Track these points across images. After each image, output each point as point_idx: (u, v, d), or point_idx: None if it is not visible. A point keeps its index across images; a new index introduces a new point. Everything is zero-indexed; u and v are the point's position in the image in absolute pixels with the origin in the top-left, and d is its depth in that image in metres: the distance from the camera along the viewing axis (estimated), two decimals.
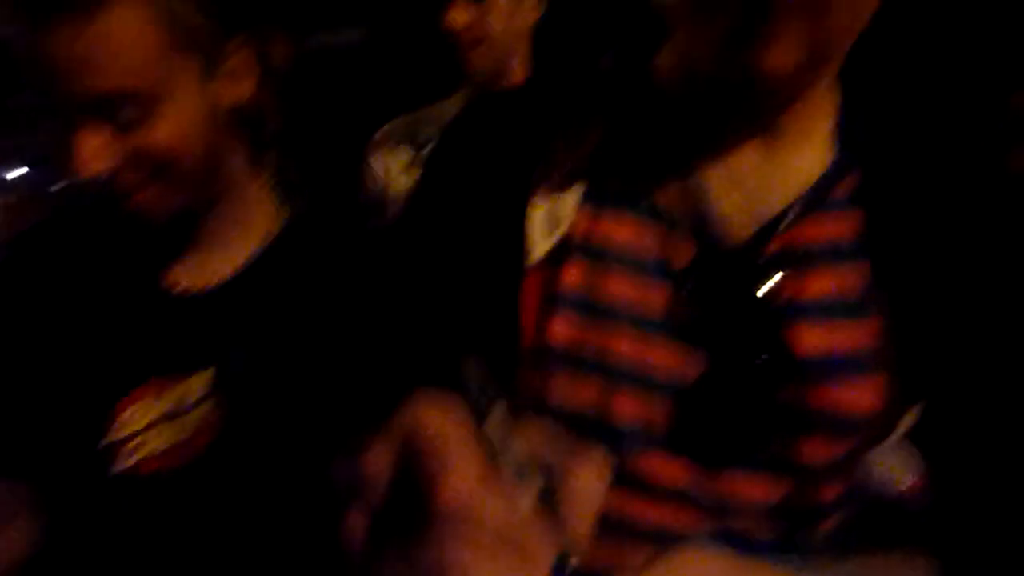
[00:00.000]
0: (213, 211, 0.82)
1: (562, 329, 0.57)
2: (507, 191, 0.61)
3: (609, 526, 0.54)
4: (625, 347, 0.56)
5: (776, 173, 0.59)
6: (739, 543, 0.56)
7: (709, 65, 0.53)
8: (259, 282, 0.82)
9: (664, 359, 0.56)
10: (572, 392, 0.56)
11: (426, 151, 1.63)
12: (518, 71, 1.55)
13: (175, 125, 0.73)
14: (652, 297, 0.57)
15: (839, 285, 0.56)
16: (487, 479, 0.34)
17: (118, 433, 0.75)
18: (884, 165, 0.59)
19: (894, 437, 0.53)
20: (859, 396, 0.54)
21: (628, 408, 0.56)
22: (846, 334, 0.55)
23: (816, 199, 0.58)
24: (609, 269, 0.58)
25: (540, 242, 0.59)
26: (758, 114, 0.58)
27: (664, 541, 0.55)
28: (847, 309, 0.56)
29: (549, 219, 0.60)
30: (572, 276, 0.58)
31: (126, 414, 0.75)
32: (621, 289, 0.57)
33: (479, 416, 0.36)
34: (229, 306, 0.80)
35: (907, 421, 0.53)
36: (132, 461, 0.74)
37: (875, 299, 0.56)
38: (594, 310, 0.57)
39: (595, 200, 0.60)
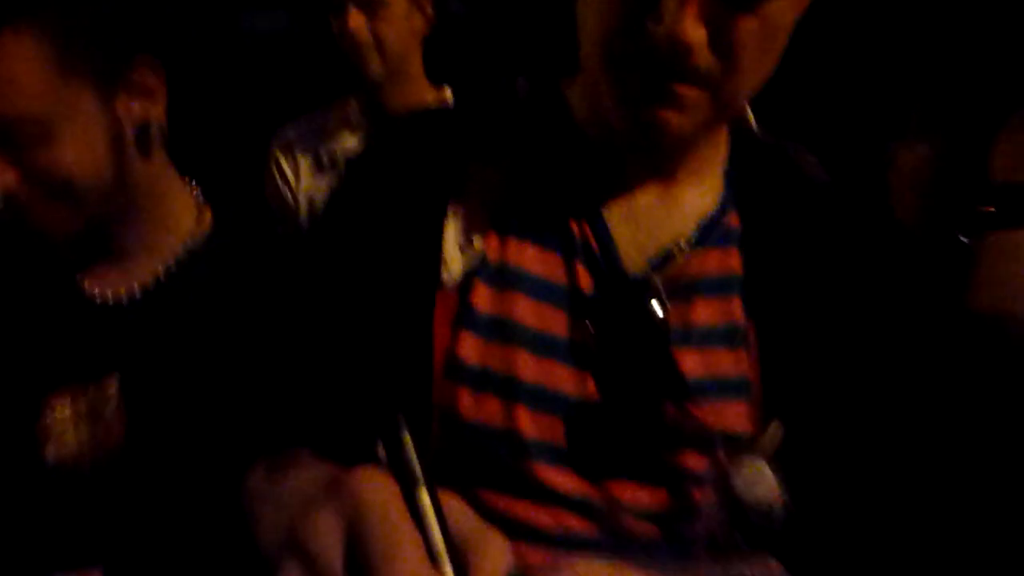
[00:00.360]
0: (130, 221, 0.84)
1: (471, 348, 0.61)
2: (422, 212, 0.64)
3: (512, 531, 0.59)
4: (528, 367, 0.61)
5: (670, 210, 0.65)
6: (625, 544, 0.62)
7: (614, 117, 0.59)
8: (178, 290, 0.85)
9: (564, 379, 0.61)
10: (479, 407, 0.61)
11: (331, 155, 1.64)
12: (414, 75, 1.58)
13: (73, 147, 0.75)
14: (554, 321, 0.62)
15: (720, 315, 0.63)
16: (427, 563, 0.35)
17: (47, 425, 0.80)
18: (763, 208, 0.66)
19: (757, 451, 0.60)
20: (731, 415, 0.61)
21: (530, 423, 0.60)
22: (722, 360, 0.62)
23: (703, 236, 0.64)
24: (516, 294, 0.62)
25: (455, 263, 0.63)
26: (657, 158, 0.64)
27: (561, 545, 0.61)
28: (725, 337, 0.62)
29: (463, 241, 0.63)
30: (481, 299, 0.62)
31: (53, 410, 0.80)
32: (526, 313, 0.61)
33: (410, 486, 0.37)
34: (145, 314, 0.84)
35: (769, 437, 0.60)
36: (59, 451, 0.80)
37: (748, 330, 0.62)
38: (501, 332, 0.61)
39: (505, 227, 0.64)
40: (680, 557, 0.62)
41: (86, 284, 0.86)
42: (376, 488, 0.36)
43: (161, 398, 0.81)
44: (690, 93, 0.55)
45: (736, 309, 0.63)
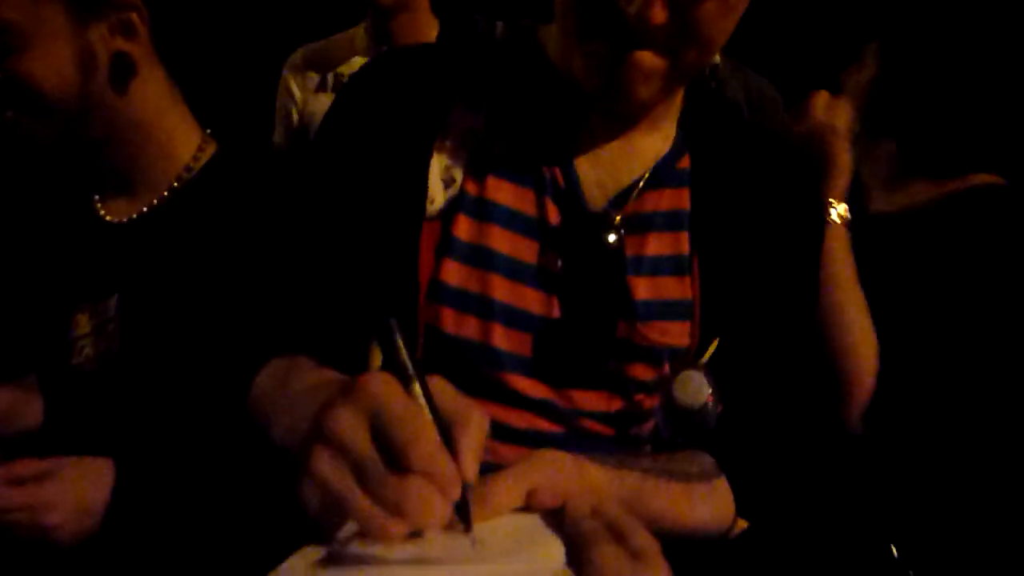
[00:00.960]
0: (124, 148, 0.93)
1: (452, 272, 0.69)
2: (410, 148, 0.71)
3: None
4: (502, 289, 0.69)
5: (629, 154, 0.73)
6: (584, 442, 0.73)
7: (582, 78, 0.66)
8: (171, 215, 0.95)
9: (533, 300, 0.70)
10: (459, 324, 0.69)
11: (337, 78, 1.71)
12: (420, 7, 1.62)
13: (41, 61, 0.83)
14: (526, 250, 0.70)
15: (669, 247, 0.72)
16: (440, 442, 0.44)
17: (74, 333, 0.93)
18: (710, 152, 0.75)
19: (696, 363, 0.70)
20: (675, 333, 0.71)
21: (503, 338, 0.69)
22: (670, 286, 0.71)
23: (658, 177, 0.73)
24: (492, 225, 0.70)
25: (438, 196, 0.71)
26: (621, 110, 0.71)
27: (530, 442, 0.70)
28: (673, 266, 0.72)
29: (445, 176, 0.71)
30: (462, 229, 0.70)
31: (77, 320, 0.93)
32: (500, 243, 0.70)
33: (405, 381, 0.45)
34: (140, 237, 0.94)
35: (707, 353, 0.70)
36: (81, 358, 0.92)
37: (693, 260, 0.72)
38: (479, 258, 0.70)
39: (484, 164, 0.71)
40: (629, 453, 0.72)
41: (98, 206, 0.97)
42: (390, 387, 0.44)
43: (158, 314, 0.91)
44: (654, 62, 0.62)
45: (683, 242, 0.72)
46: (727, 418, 0.70)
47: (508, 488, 0.51)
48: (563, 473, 0.54)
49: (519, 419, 0.71)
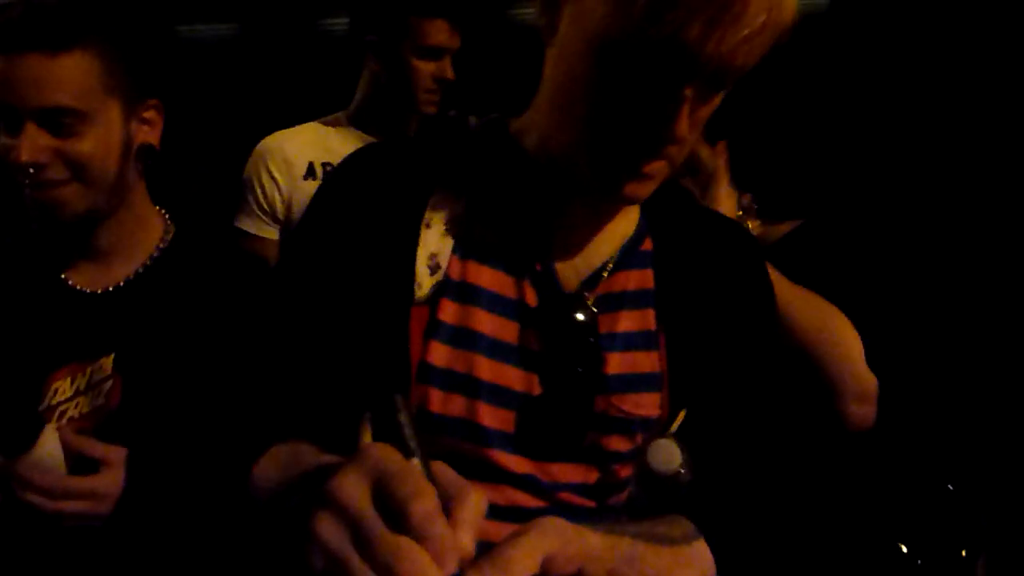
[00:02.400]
0: (113, 223, 1.08)
1: (439, 354, 0.74)
2: (397, 237, 0.77)
3: None
4: (486, 369, 0.74)
5: (600, 237, 0.79)
6: (564, 514, 0.76)
7: (585, 180, 0.71)
8: (152, 284, 1.09)
9: (515, 378, 0.75)
10: (446, 403, 0.74)
11: (324, 166, 1.74)
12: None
13: (96, 141, 1.01)
14: (507, 331, 0.75)
15: (638, 323, 0.78)
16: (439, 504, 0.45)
17: (49, 402, 1.02)
18: (669, 234, 0.81)
19: (667, 433, 0.75)
20: (647, 404, 0.76)
21: (488, 415, 0.74)
22: (641, 360, 0.77)
23: (625, 258, 0.79)
24: (475, 308, 0.75)
25: (425, 281, 0.76)
26: (595, 196, 0.77)
27: (512, 518, 0.72)
28: (642, 341, 0.77)
29: (431, 262, 0.76)
30: (447, 312, 0.75)
31: (53, 387, 1.03)
32: (483, 324, 0.75)
33: (407, 454, 0.47)
34: (128, 303, 1.07)
35: (676, 422, 0.76)
36: (62, 423, 1.02)
37: (660, 334, 0.78)
38: (464, 340, 0.74)
39: (465, 250, 0.77)
40: (614, 521, 0.76)
41: (70, 279, 1.09)
42: (393, 454, 0.47)
43: (157, 371, 1.03)
44: (655, 168, 0.69)
45: (650, 318, 0.78)
46: (699, 483, 0.75)
47: (525, 555, 0.51)
48: (569, 539, 0.55)
49: (502, 496, 0.74)
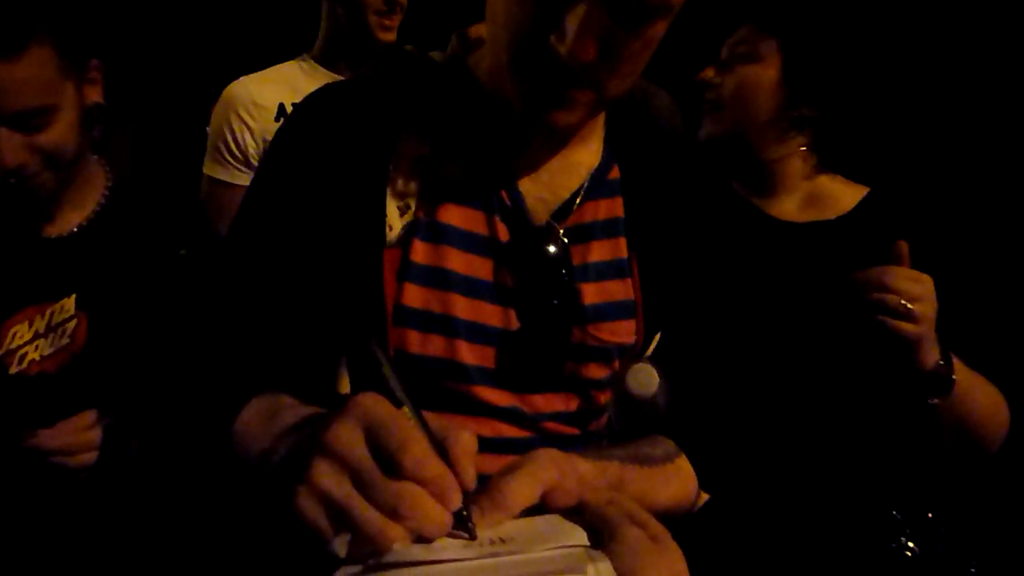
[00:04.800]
0: (73, 177, 1.11)
1: (414, 295, 0.74)
2: (364, 176, 0.76)
3: None
4: (462, 307, 0.74)
5: (565, 169, 0.79)
6: (548, 443, 0.78)
7: (517, 109, 0.71)
8: (105, 227, 1.14)
9: (491, 314, 0.75)
10: (425, 344, 0.74)
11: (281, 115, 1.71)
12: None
13: (64, 126, 1.03)
14: (481, 268, 0.76)
15: (610, 252, 0.78)
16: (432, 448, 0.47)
17: (8, 346, 1.05)
18: (635, 161, 0.81)
19: (644, 358, 0.77)
20: (623, 332, 0.77)
21: (468, 352, 0.74)
22: (614, 288, 0.78)
23: (592, 188, 0.79)
24: (447, 247, 0.75)
25: (395, 223, 0.75)
26: (552, 131, 0.76)
27: (500, 450, 0.74)
28: (615, 270, 0.78)
29: (400, 203, 0.76)
30: (419, 253, 0.75)
31: (11, 332, 1.05)
32: (456, 263, 0.75)
33: (395, 402, 0.49)
34: (83, 246, 1.11)
35: (651, 347, 0.77)
36: (23, 366, 1.05)
37: (632, 262, 0.78)
38: (438, 280, 0.75)
39: (433, 189, 0.76)
40: (599, 447, 0.78)
41: (34, 227, 1.11)
42: (382, 403, 0.49)
43: (116, 308, 1.08)
44: (581, 96, 0.69)
45: (622, 246, 0.78)
46: (676, 403, 0.77)
47: (522, 487, 0.53)
48: (564, 470, 0.57)
49: (488, 429, 0.76)
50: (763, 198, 1.22)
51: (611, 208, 0.80)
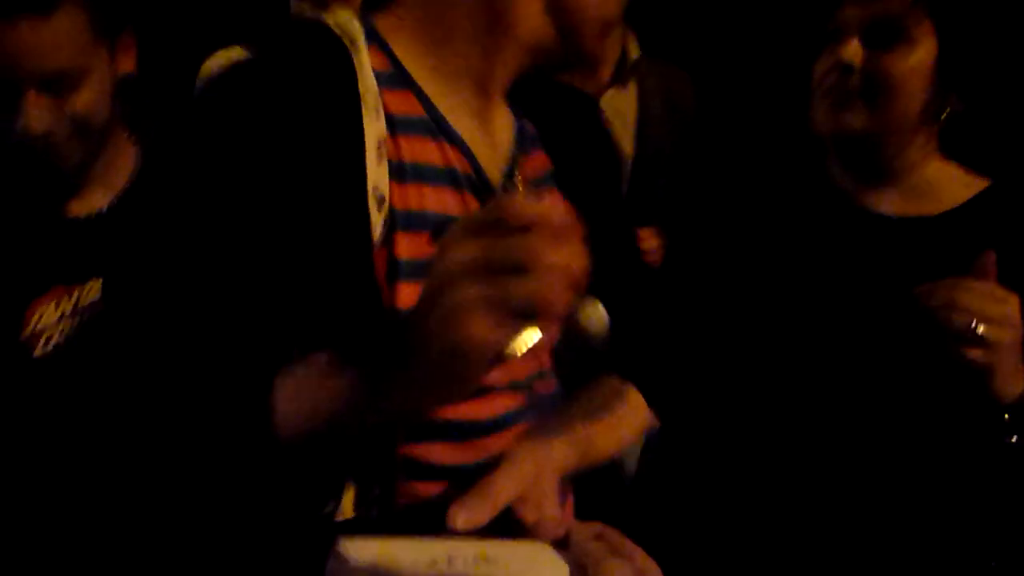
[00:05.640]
0: (104, 152, 1.08)
1: (408, 295, 0.66)
2: (340, 172, 0.64)
3: (463, 432, 0.71)
4: None
5: (498, 127, 0.77)
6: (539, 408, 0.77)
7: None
8: (134, 207, 1.09)
9: None
10: None
11: None
12: None
13: (94, 92, 1.00)
14: None
15: (556, 203, 0.80)
16: None
17: (33, 328, 1.01)
18: (541, 111, 0.83)
19: (588, 299, 0.82)
20: None
21: None
22: None
23: (521, 142, 0.79)
24: (426, 234, 0.68)
25: (376, 221, 0.65)
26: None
27: (504, 426, 0.73)
28: None
29: (376, 195, 0.66)
30: (405, 248, 0.67)
31: (37, 313, 1.02)
32: None
33: None
34: (112, 227, 1.07)
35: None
36: (48, 348, 1.01)
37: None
38: (426, 272, 0.68)
39: (399, 173, 0.68)
40: (560, 406, 0.80)
41: (60, 206, 1.07)
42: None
43: (145, 292, 0.96)
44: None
45: (558, 196, 0.80)
46: (617, 339, 0.84)
47: (505, 483, 0.59)
48: (539, 461, 0.64)
49: (488, 409, 0.73)
50: (862, 185, 1.06)
51: (541, 162, 0.81)
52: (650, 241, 1.49)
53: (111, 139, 1.08)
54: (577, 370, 0.84)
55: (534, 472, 0.60)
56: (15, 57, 0.93)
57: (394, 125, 0.68)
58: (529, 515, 0.61)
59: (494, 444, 0.72)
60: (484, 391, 0.73)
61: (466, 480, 0.69)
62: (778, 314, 1.00)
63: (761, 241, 1.05)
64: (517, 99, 0.80)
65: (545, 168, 0.81)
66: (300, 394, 0.60)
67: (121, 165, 1.11)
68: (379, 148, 0.66)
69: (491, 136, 0.76)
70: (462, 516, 0.56)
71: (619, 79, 1.78)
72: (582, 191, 0.83)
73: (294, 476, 0.61)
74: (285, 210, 0.63)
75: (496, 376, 0.73)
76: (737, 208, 1.07)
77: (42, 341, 1.01)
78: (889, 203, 1.04)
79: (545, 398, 0.80)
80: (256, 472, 0.62)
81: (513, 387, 0.76)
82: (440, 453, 0.70)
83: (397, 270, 0.66)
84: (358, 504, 0.66)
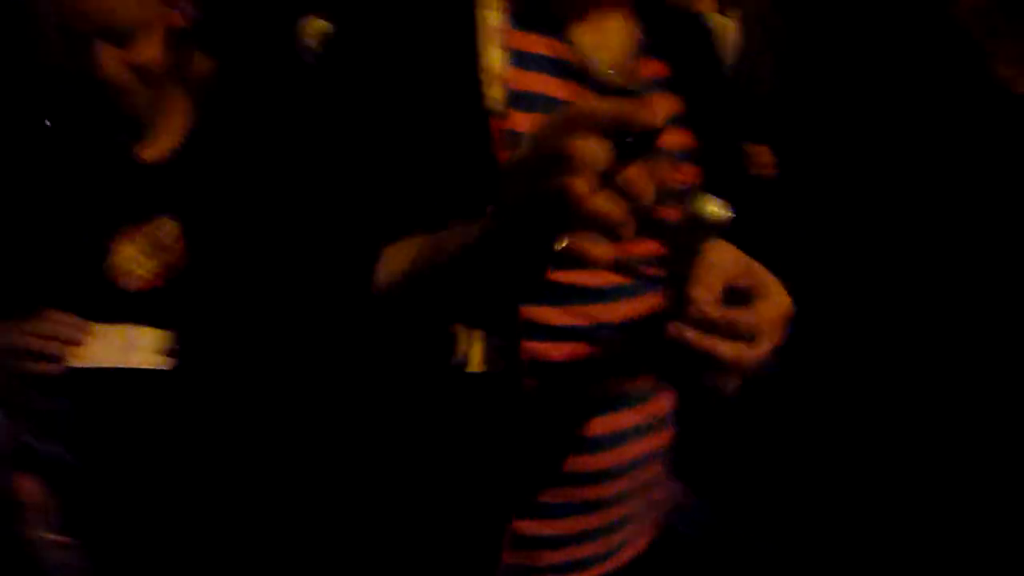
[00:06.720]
0: (162, 101, 1.18)
1: None
2: (456, 53, 0.76)
3: (567, 294, 0.79)
4: None
5: (616, 32, 0.85)
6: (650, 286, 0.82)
7: None
8: (196, 150, 1.19)
9: None
10: None
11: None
12: None
13: (154, 44, 1.11)
14: None
15: (669, 106, 0.86)
16: None
17: (117, 261, 1.13)
18: (662, 31, 0.88)
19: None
20: (689, 174, 0.87)
21: None
22: (679, 136, 0.86)
23: (640, 50, 0.86)
24: (535, 114, 0.78)
25: (495, 93, 0.76)
26: None
27: (610, 296, 0.80)
28: (676, 120, 0.86)
29: (491, 72, 0.77)
30: (518, 122, 0.77)
31: (120, 248, 1.13)
32: None
33: None
34: (178, 169, 1.18)
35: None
36: (130, 280, 1.13)
37: (686, 115, 0.86)
38: None
39: (517, 60, 0.79)
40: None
41: (135, 150, 1.17)
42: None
43: (215, 225, 1.14)
44: None
45: (674, 101, 0.86)
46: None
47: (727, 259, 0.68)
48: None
49: (595, 278, 0.82)
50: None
51: (656, 67, 0.87)
52: (764, 156, 1.51)
53: (168, 90, 1.17)
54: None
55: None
56: (88, 13, 1.05)
57: (518, 18, 0.80)
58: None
59: (601, 313, 0.78)
60: (588, 262, 0.78)
61: (579, 341, 0.79)
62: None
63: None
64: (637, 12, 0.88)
65: (660, 74, 0.87)
66: (416, 252, 0.71)
67: (179, 113, 1.20)
68: (496, 36, 0.78)
69: (609, 37, 0.84)
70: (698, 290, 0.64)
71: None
72: (695, 98, 0.87)
73: (413, 327, 0.71)
74: (404, 83, 0.76)
75: (602, 250, 0.78)
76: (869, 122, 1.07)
77: (123, 273, 1.13)
78: None
79: (656, 282, 0.84)
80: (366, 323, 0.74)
81: (619, 265, 0.81)
82: (552, 315, 0.79)
83: (510, 140, 0.76)
84: (486, 359, 0.74)
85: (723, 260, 0.68)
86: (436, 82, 0.75)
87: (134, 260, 1.13)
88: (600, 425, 0.83)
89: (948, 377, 1.03)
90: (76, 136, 1.17)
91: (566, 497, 0.83)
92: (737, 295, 0.67)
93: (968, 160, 1.01)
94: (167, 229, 1.14)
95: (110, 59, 1.07)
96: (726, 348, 0.65)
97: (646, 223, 0.83)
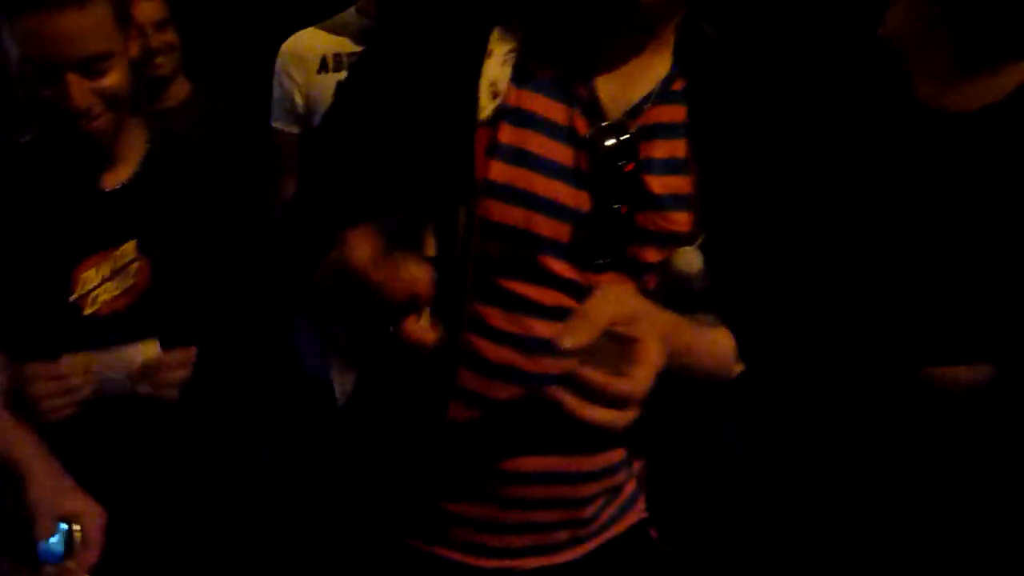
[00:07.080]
0: (123, 124, 1.23)
1: (500, 171, 0.84)
2: (460, 66, 0.84)
3: (522, 307, 0.86)
4: (541, 185, 0.84)
5: (638, 74, 0.88)
6: None
7: None
8: (153, 176, 1.28)
9: (568, 195, 0.85)
10: (505, 214, 0.84)
11: (336, 58, 1.93)
12: None
13: (121, 71, 1.16)
14: (560, 153, 0.85)
15: (672, 151, 0.88)
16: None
17: (80, 291, 1.20)
18: (699, 76, 0.91)
19: (693, 245, 0.88)
20: (680, 222, 0.88)
21: (543, 225, 0.85)
22: (676, 182, 0.88)
23: (660, 94, 0.88)
24: (530, 132, 0.85)
25: (487, 105, 0.84)
26: (634, 32, 0.86)
27: (559, 317, 0.80)
28: (677, 167, 0.88)
29: (492, 89, 0.84)
30: (506, 134, 0.84)
31: (83, 276, 1.20)
32: (538, 147, 0.84)
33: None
34: (137, 194, 1.26)
35: (700, 239, 0.88)
36: (95, 307, 1.20)
37: (690, 162, 0.89)
38: (521, 160, 0.84)
39: (521, 79, 0.86)
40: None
41: (92, 179, 1.24)
42: None
43: (175, 246, 1.24)
44: None
45: (682, 147, 0.89)
46: (717, 287, 0.89)
47: (604, 308, 0.71)
48: (641, 305, 0.76)
49: (551, 298, 0.87)
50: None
51: (675, 113, 0.89)
52: None
53: (126, 118, 1.23)
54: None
55: (633, 306, 0.74)
56: (58, 44, 1.08)
57: (534, 45, 0.86)
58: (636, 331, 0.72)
59: (543, 329, 0.86)
60: (548, 279, 0.87)
61: (515, 349, 0.87)
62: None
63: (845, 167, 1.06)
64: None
65: (674, 120, 0.89)
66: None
67: (135, 141, 1.27)
68: (505, 55, 0.85)
69: (628, 78, 0.88)
70: (567, 339, 0.68)
71: None
72: (706, 145, 0.89)
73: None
74: (408, 90, 0.86)
75: (563, 271, 0.87)
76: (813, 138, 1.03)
77: (89, 301, 1.19)
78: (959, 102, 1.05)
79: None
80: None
81: (576, 288, 0.87)
82: (496, 317, 0.87)
83: (495, 150, 0.84)
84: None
85: (608, 303, 0.72)
86: (438, 90, 0.84)
87: (99, 287, 1.20)
88: (521, 430, 0.88)
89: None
90: (41, 165, 1.24)
91: (477, 486, 0.91)
92: (614, 339, 0.71)
93: (894, 178, 1.05)
94: (130, 254, 1.22)
95: (79, 89, 1.11)
96: (597, 414, 0.69)
97: (619, 256, 0.88)
